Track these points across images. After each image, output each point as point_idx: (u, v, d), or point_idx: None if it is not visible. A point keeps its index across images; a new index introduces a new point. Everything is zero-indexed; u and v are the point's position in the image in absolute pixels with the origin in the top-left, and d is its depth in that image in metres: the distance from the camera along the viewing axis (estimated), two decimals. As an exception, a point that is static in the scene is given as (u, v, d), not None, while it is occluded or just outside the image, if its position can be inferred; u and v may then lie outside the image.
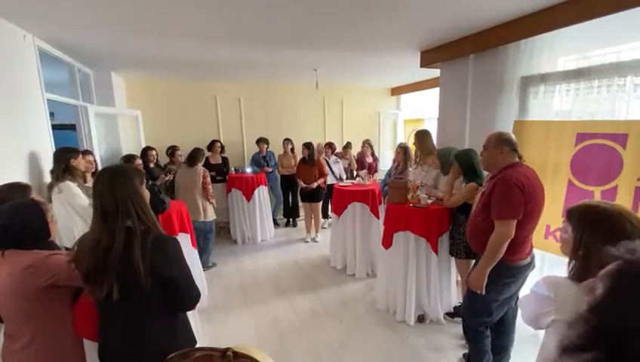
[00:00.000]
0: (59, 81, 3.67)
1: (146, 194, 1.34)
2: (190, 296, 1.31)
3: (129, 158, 3.61)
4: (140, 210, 1.23)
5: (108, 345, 1.29)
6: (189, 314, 2.13)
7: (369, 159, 5.53)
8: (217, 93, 5.72)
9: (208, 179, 4.02)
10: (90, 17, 2.44)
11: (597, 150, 2.23)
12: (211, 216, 4.09)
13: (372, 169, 5.40)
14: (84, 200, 2.50)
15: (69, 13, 2.34)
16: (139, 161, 3.62)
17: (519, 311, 1.87)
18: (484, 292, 1.96)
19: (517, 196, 1.81)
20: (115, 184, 1.22)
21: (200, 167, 4.02)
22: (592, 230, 1.08)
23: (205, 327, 2.79)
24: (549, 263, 2.69)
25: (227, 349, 0.59)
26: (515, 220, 1.84)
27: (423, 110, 6.46)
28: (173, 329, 1.32)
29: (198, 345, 1.92)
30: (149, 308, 1.23)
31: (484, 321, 2.10)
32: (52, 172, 2.56)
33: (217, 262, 4.35)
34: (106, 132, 4.36)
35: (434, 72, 4.17)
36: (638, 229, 1.05)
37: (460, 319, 2.88)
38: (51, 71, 3.28)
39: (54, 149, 2.93)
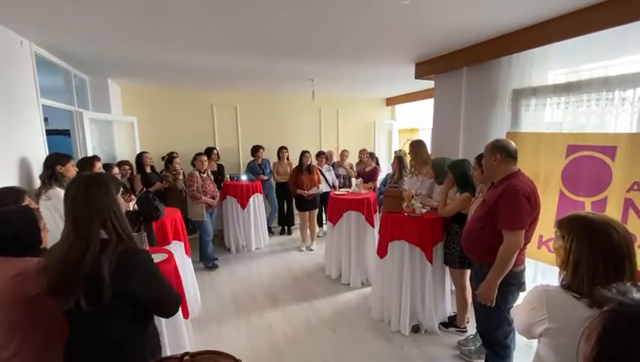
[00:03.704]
0: (54, 87, 3.66)
1: (122, 203, 1.33)
2: (166, 307, 1.30)
3: (106, 167, 3.38)
4: (115, 218, 1.19)
5: (74, 356, 1.25)
6: (182, 323, 2.12)
7: (368, 168, 5.46)
8: (214, 101, 5.74)
9: (191, 180, 4.14)
10: (88, 24, 2.45)
11: (587, 162, 2.28)
12: (196, 216, 4.20)
13: (371, 177, 5.29)
14: None
15: (67, 20, 2.35)
16: (115, 170, 3.50)
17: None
18: (494, 304, 1.95)
19: (525, 206, 1.84)
20: (90, 192, 1.18)
21: (193, 170, 4.25)
22: (580, 239, 1.11)
23: (198, 337, 2.74)
24: (542, 272, 2.71)
25: (184, 354, 0.60)
26: (524, 230, 1.86)
27: (418, 120, 6.54)
28: (140, 342, 1.28)
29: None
30: (113, 320, 1.19)
31: (508, 332, 2.07)
32: (40, 177, 2.53)
33: (219, 264, 4.48)
34: (101, 138, 4.34)
35: (428, 83, 4.24)
36: (625, 238, 1.08)
37: (455, 329, 2.90)
38: (47, 76, 3.27)
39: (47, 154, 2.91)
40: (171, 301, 1.31)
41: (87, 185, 1.21)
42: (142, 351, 1.27)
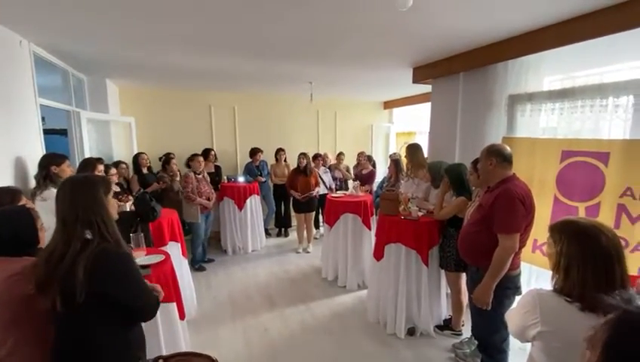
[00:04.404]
0: (52, 87, 3.65)
1: (112, 204, 1.32)
2: (142, 311, 1.28)
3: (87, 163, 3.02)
4: (101, 220, 1.20)
5: (59, 356, 1.25)
6: (178, 324, 2.12)
7: (365, 171, 5.46)
8: (212, 102, 5.74)
9: (186, 182, 4.14)
10: (87, 25, 2.45)
11: (581, 167, 2.30)
12: (190, 218, 4.18)
13: (368, 180, 5.28)
14: None
15: (66, 20, 2.35)
16: (113, 171, 3.49)
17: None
18: (489, 308, 1.96)
19: (520, 210, 1.86)
20: (76, 193, 1.20)
21: (188, 171, 4.26)
22: (570, 243, 1.14)
23: (194, 338, 2.73)
24: (536, 276, 2.73)
25: (158, 358, 0.61)
26: (519, 233, 1.88)
27: (415, 123, 6.58)
28: (122, 346, 1.27)
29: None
30: (92, 322, 1.19)
31: (504, 336, 2.08)
32: (35, 178, 2.51)
33: (207, 267, 4.45)
34: (98, 138, 4.33)
35: (425, 88, 4.28)
36: (613, 242, 1.10)
37: (450, 332, 2.91)
38: (45, 76, 3.26)
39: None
40: (147, 305, 1.29)
41: (75, 187, 1.22)
42: (124, 355, 1.26)
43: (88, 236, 1.18)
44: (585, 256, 1.09)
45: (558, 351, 1.11)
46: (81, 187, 1.22)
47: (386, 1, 1.96)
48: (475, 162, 2.27)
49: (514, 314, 1.27)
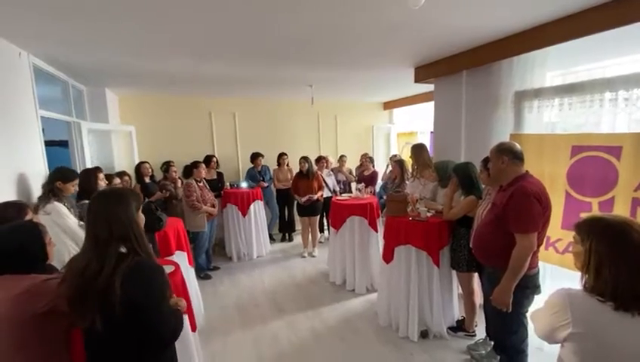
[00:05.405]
0: (52, 98, 3.62)
1: (142, 219, 1.30)
2: (160, 332, 1.21)
3: (107, 178, 3.21)
4: (133, 235, 1.19)
5: None
6: (190, 335, 2.07)
7: (367, 172, 5.45)
8: (212, 108, 5.71)
9: (189, 191, 4.03)
10: (85, 34, 2.42)
11: (592, 162, 2.28)
12: (196, 227, 4.09)
13: (370, 181, 5.27)
14: (73, 221, 2.40)
15: (65, 31, 2.33)
16: (117, 181, 3.48)
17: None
18: (510, 309, 1.91)
19: (537, 208, 1.82)
20: (110, 208, 1.19)
21: (190, 180, 4.16)
22: (600, 240, 1.10)
23: (204, 350, 2.67)
24: (550, 273, 2.70)
25: None
26: (537, 232, 1.84)
27: (416, 123, 6.56)
28: None
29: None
30: (125, 342, 1.16)
31: (524, 336, 2.04)
32: (42, 187, 2.48)
33: (213, 275, 4.41)
34: (99, 148, 4.29)
35: (426, 87, 4.26)
36: None
37: (464, 334, 2.87)
38: (44, 87, 3.23)
39: (47, 167, 2.86)
40: (166, 330, 1.23)
41: (108, 202, 1.21)
42: None
43: (122, 250, 1.16)
44: (616, 254, 1.06)
45: (591, 352, 1.07)
46: (114, 202, 1.20)
47: (393, 1, 1.94)
48: (486, 160, 2.24)
49: (541, 315, 1.23)
